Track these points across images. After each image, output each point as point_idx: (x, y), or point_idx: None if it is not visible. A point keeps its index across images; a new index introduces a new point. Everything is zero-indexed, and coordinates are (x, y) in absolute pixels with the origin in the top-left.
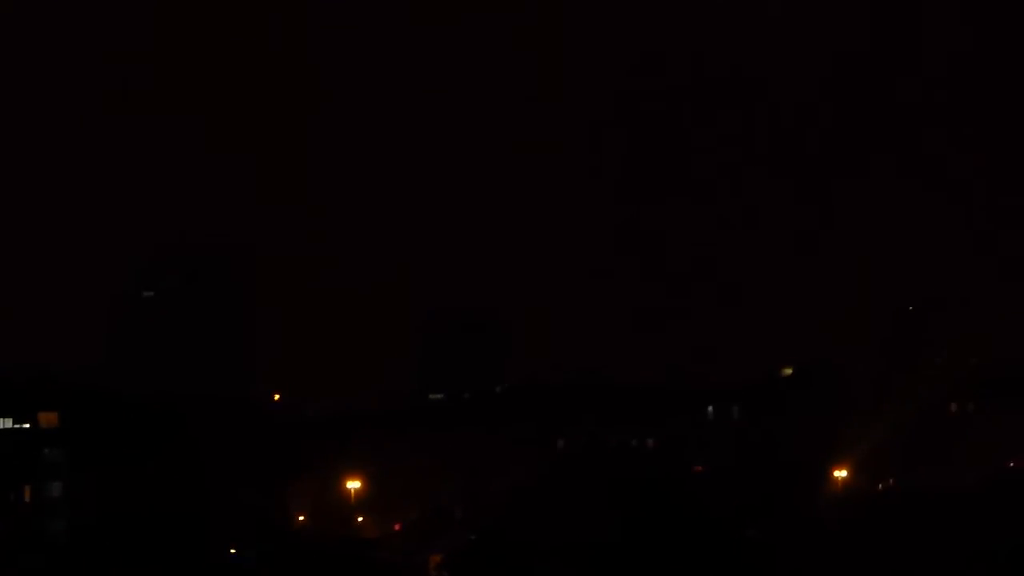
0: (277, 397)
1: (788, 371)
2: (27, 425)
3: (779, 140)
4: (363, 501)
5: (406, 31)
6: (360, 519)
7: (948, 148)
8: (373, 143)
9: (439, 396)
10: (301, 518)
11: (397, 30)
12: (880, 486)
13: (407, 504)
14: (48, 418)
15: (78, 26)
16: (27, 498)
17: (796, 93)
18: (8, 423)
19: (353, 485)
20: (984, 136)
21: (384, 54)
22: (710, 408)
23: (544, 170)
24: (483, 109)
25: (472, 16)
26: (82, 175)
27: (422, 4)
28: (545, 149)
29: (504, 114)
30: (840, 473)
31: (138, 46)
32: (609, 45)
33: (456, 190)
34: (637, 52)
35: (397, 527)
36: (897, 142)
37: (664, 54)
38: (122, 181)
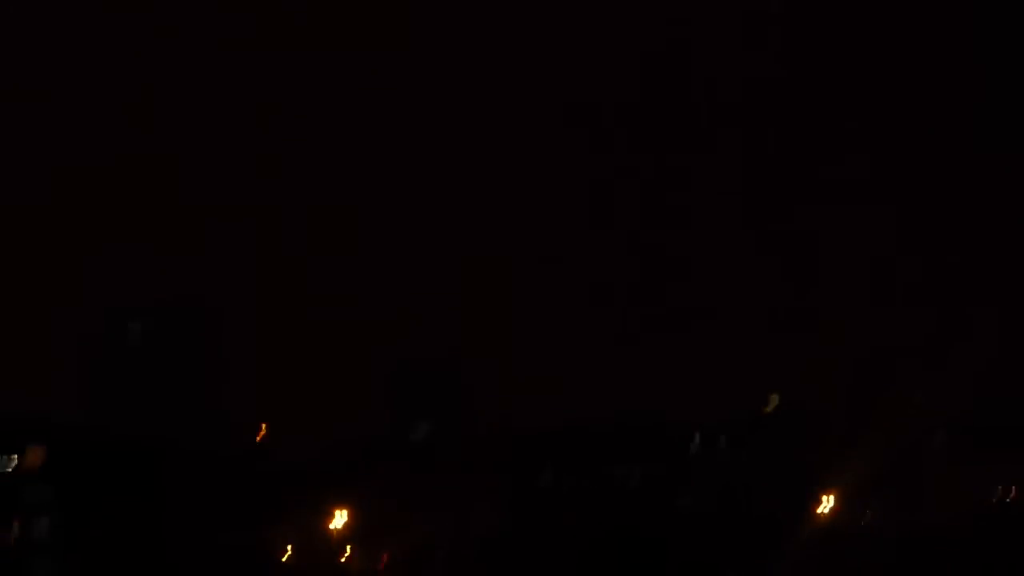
0: (264, 429)
1: (772, 405)
2: (13, 462)
3: (751, 170)
4: (347, 537)
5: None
6: (345, 555)
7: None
8: (341, 187)
9: (419, 433)
10: (287, 555)
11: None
12: (863, 522)
13: (391, 540)
14: (33, 455)
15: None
16: (12, 536)
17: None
18: None
19: (337, 521)
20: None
21: (350, 103)
22: (692, 443)
23: (509, 207)
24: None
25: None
26: (63, 215)
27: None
28: (513, 184)
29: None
30: (824, 508)
31: (126, 94)
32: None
33: (426, 234)
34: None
35: (383, 563)
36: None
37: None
38: (99, 224)
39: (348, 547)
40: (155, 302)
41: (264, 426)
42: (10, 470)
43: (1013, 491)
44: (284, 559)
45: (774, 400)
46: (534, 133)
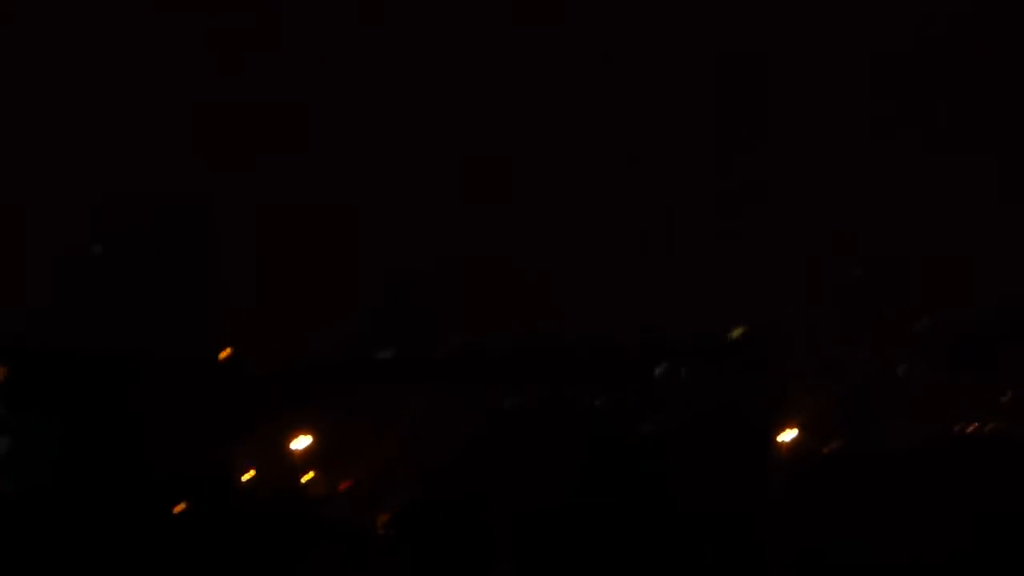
0: (228, 351)
1: (737, 332)
2: None
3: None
4: (311, 458)
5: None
6: (308, 476)
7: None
8: (331, 98)
9: (387, 352)
10: (249, 475)
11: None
12: (827, 449)
13: (355, 462)
14: None
15: None
16: None
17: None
18: None
19: (301, 442)
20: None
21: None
22: (657, 369)
23: (492, 134)
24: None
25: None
26: (31, 122)
27: None
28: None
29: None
30: (787, 435)
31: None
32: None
33: (411, 147)
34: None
35: (345, 485)
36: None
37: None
38: (69, 129)
39: (310, 471)
40: (122, 204)
41: (228, 351)
42: None
43: (982, 420)
44: (245, 480)
45: (738, 330)
46: (539, 56)
